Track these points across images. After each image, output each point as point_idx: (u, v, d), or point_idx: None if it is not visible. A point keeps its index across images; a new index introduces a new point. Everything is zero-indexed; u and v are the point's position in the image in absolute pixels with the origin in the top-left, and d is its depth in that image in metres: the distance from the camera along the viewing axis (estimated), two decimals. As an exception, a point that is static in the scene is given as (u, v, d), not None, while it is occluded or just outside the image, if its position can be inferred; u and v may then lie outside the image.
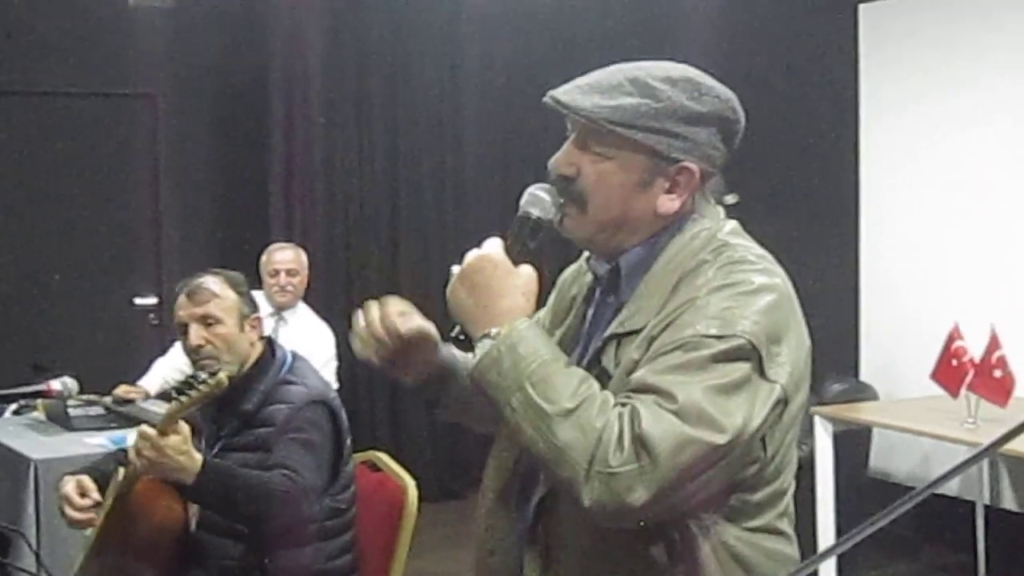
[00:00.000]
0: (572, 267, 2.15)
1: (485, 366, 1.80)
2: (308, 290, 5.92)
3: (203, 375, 2.92)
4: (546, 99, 1.93)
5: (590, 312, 2.02)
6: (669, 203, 1.89)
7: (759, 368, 1.75)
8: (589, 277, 2.06)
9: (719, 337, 1.74)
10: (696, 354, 1.74)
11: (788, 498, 1.94)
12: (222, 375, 2.91)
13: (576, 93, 1.90)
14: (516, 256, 1.89)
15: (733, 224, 1.96)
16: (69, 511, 3.16)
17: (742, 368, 1.74)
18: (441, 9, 7.43)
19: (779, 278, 1.86)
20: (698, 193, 1.93)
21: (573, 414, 1.71)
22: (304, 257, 5.89)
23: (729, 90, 1.95)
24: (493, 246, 1.89)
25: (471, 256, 1.89)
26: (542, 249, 1.93)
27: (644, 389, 1.74)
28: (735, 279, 1.81)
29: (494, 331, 1.81)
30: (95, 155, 7.16)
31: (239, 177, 7.40)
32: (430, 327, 2.04)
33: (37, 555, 3.58)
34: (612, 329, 1.88)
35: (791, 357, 1.80)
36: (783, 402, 1.79)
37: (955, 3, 6.15)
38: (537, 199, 1.93)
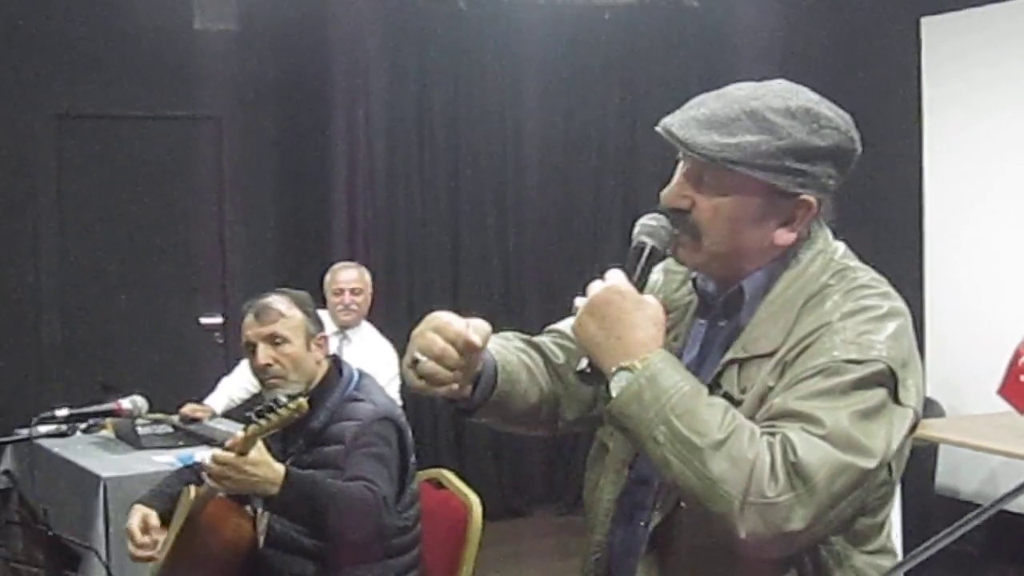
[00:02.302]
0: (662, 272, 2.08)
1: (626, 400, 1.74)
2: (371, 309, 5.96)
3: (283, 399, 2.93)
4: (659, 129, 1.88)
5: (697, 334, 1.98)
6: (786, 235, 1.87)
7: (894, 393, 1.76)
8: (690, 296, 2.01)
9: (859, 362, 1.74)
10: (838, 379, 1.72)
11: (890, 527, 1.94)
12: (302, 400, 2.93)
13: (692, 128, 1.85)
14: (634, 286, 1.84)
15: (843, 246, 1.95)
16: (131, 547, 3.23)
17: (880, 394, 1.74)
18: (501, 29, 7.47)
19: (900, 302, 1.86)
20: (813, 225, 1.92)
21: (724, 445, 1.67)
22: (368, 276, 5.93)
23: (846, 114, 1.91)
24: (617, 277, 1.84)
25: (598, 288, 1.83)
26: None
27: (788, 415, 1.72)
28: (865, 304, 1.81)
29: (631, 363, 1.76)
30: (161, 178, 7.26)
31: (302, 198, 7.48)
32: (485, 324, 1.87)
33: (108, 570, 3.63)
34: (733, 354, 1.85)
35: (916, 380, 1.81)
36: (915, 426, 1.80)
37: (1018, 16, 6.09)
38: (651, 229, 1.89)
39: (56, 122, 7.01)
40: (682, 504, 1.81)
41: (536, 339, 2.13)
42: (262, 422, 2.91)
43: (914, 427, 1.80)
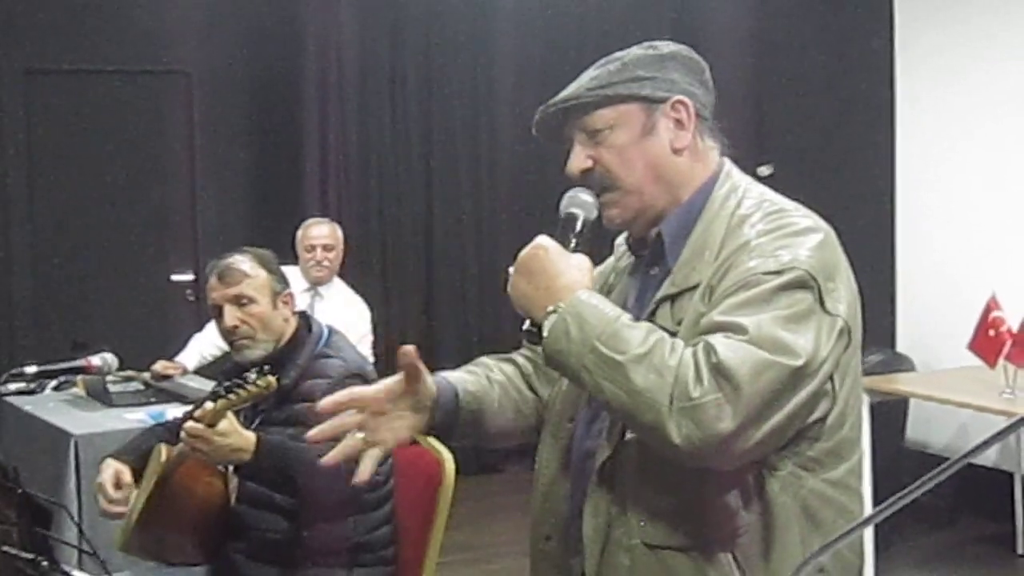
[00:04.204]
0: (608, 260, 2.22)
1: (554, 337, 1.83)
2: (343, 266, 5.94)
3: (252, 375, 2.92)
4: (534, 124, 2.06)
5: (632, 287, 2.07)
6: (682, 138, 1.98)
7: (819, 300, 1.80)
8: (626, 261, 2.13)
9: (777, 272, 1.79)
10: (758, 289, 1.79)
11: (859, 454, 1.96)
12: (271, 378, 2.92)
13: (559, 96, 2.04)
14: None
15: (759, 184, 2.03)
16: (102, 503, 3.22)
17: (806, 299, 1.79)
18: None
19: (824, 224, 1.92)
20: (707, 138, 2.01)
21: (646, 358, 1.75)
22: (340, 232, 5.91)
23: None
24: (543, 237, 1.95)
25: (524, 249, 1.94)
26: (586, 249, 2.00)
27: (713, 328, 1.78)
28: (782, 222, 1.88)
29: (557, 305, 1.85)
30: (131, 133, 7.20)
31: (274, 153, 7.43)
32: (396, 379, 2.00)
33: (79, 527, 3.62)
34: (665, 291, 1.93)
35: (847, 293, 1.85)
36: (847, 333, 1.83)
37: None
38: (578, 200, 2.01)
39: (24, 77, 6.94)
40: (627, 437, 1.87)
41: (511, 355, 2.25)
42: (231, 396, 2.91)
43: (845, 334, 1.83)
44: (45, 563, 2.38)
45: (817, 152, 7.01)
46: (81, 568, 3.27)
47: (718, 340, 1.74)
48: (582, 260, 1.93)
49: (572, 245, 1.96)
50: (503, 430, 2.16)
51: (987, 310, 4.96)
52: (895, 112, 6.58)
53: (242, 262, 3.34)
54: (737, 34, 7.05)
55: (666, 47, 2.02)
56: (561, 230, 1.98)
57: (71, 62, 7.00)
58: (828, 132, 7.03)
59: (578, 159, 2.01)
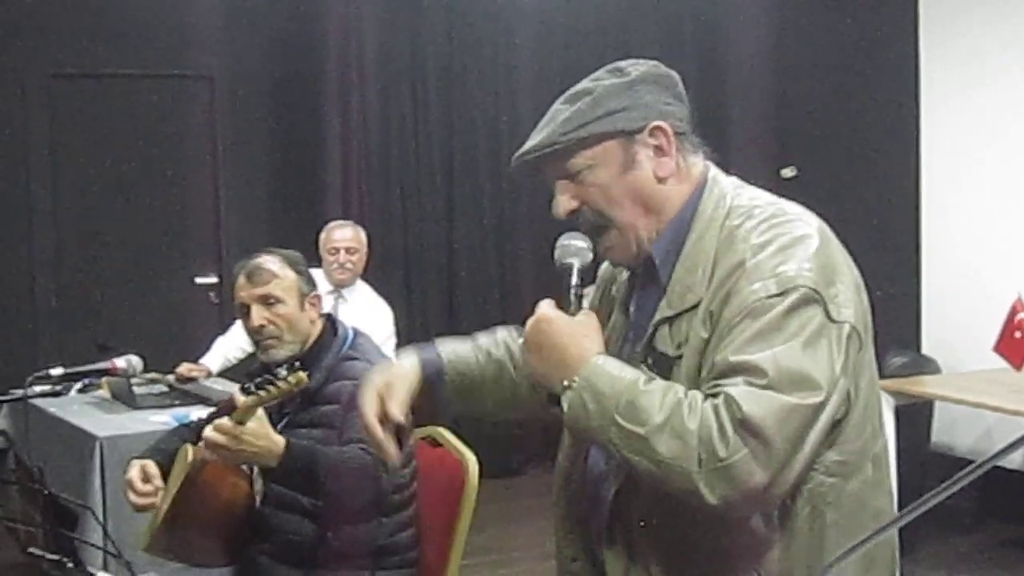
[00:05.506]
0: (609, 267, 2.19)
1: (574, 416, 1.82)
2: (366, 268, 5.95)
3: (282, 372, 2.91)
4: (513, 166, 2.00)
5: (633, 306, 2.05)
6: (664, 165, 1.94)
7: (825, 312, 1.77)
8: (626, 274, 2.10)
9: (781, 294, 1.76)
10: (767, 318, 1.75)
11: (883, 445, 1.94)
12: (302, 374, 2.90)
13: (530, 143, 1.97)
14: (572, 307, 1.94)
15: (743, 186, 2.00)
16: (132, 496, 3.22)
17: (815, 315, 1.76)
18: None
19: (814, 222, 1.89)
20: (689, 155, 1.97)
21: (666, 426, 1.72)
22: (363, 235, 5.92)
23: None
24: (545, 306, 1.92)
25: (528, 324, 1.92)
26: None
27: (730, 371, 1.74)
28: (774, 234, 1.84)
29: (571, 381, 1.82)
30: (155, 137, 7.24)
31: (296, 156, 7.45)
32: (408, 383, 2.12)
33: (105, 529, 3.63)
34: (661, 313, 1.90)
35: (849, 294, 1.82)
36: (857, 335, 1.81)
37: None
38: (571, 249, 1.98)
39: (49, 81, 6.98)
40: None
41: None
42: (261, 393, 2.89)
43: (856, 337, 1.81)
44: (70, 564, 2.39)
45: (842, 154, 6.98)
46: (106, 570, 3.28)
47: (739, 392, 1.70)
48: (588, 322, 1.91)
49: (573, 302, 1.93)
50: (500, 403, 2.21)
51: (1012, 312, 4.93)
52: (920, 114, 6.56)
53: (271, 262, 3.35)
54: (760, 37, 7.04)
55: (635, 69, 1.96)
56: (565, 284, 1.96)
57: (95, 66, 7.03)
58: (853, 134, 7.00)
59: (563, 201, 1.96)
